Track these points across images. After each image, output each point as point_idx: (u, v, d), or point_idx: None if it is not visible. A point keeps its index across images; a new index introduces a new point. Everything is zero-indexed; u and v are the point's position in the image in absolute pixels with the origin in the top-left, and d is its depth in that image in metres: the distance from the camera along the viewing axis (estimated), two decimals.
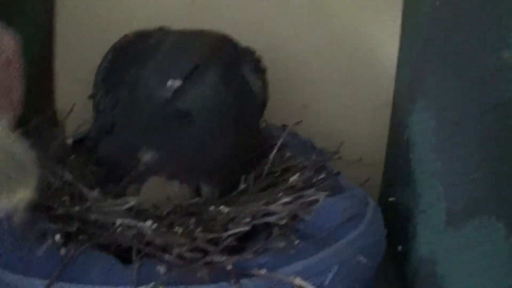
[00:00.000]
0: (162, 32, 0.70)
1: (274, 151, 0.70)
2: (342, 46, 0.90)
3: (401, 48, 0.87)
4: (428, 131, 0.65)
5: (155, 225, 0.53)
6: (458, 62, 0.57)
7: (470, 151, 0.50)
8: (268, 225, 0.57)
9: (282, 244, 0.52)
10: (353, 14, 0.88)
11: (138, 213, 0.57)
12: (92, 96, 0.72)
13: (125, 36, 0.72)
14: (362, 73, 0.91)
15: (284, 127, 0.80)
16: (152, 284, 0.48)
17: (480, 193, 0.47)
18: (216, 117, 0.64)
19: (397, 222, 0.74)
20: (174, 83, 0.60)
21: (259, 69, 0.72)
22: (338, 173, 0.69)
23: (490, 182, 0.45)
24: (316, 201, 0.59)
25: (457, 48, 0.58)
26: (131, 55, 0.69)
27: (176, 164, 0.63)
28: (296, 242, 0.53)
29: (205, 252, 0.52)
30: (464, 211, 0.51)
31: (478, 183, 0.47)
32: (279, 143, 0.71)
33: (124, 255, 0.52)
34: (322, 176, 0.67)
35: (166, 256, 0.51)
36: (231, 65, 0.67)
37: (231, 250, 0.54)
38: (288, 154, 0.74)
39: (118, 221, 0.54)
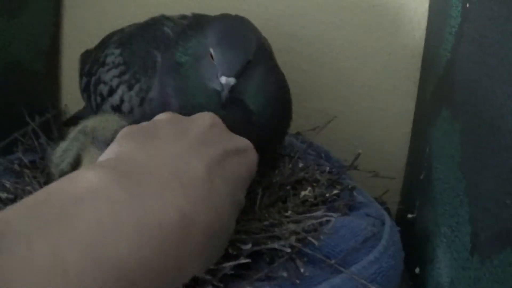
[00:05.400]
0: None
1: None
2: (361, 48, 0.86)
3: (426, 48, 0.81)
4: (452, 144, 0.59)
5: None
6: (495, 61, 0.50)
7: (504, 171, 0.44)
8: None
9: (285, 273, 0.47)
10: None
11: None
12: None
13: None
14: (384, 77, 0.86)
15: (298, 134, 0.75)
16: None
17: None
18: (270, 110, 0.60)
19: (416, 241, 0.68)
20: (229, 81, 0.54)
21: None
22: (354, 188, 0.64)
23: None
24: (327, 222, 0.54)
25: (493, 47, 0.50)
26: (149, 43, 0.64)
27: None
28: (302, 270, 0.48)
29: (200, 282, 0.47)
30: (493, 241, 0.44)
31: None
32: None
33: None
34: (335, 191, 0.62)
35: None
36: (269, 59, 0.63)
37: (229, 277, 0.49)
38: (300, 165, 0.69)
39: None
